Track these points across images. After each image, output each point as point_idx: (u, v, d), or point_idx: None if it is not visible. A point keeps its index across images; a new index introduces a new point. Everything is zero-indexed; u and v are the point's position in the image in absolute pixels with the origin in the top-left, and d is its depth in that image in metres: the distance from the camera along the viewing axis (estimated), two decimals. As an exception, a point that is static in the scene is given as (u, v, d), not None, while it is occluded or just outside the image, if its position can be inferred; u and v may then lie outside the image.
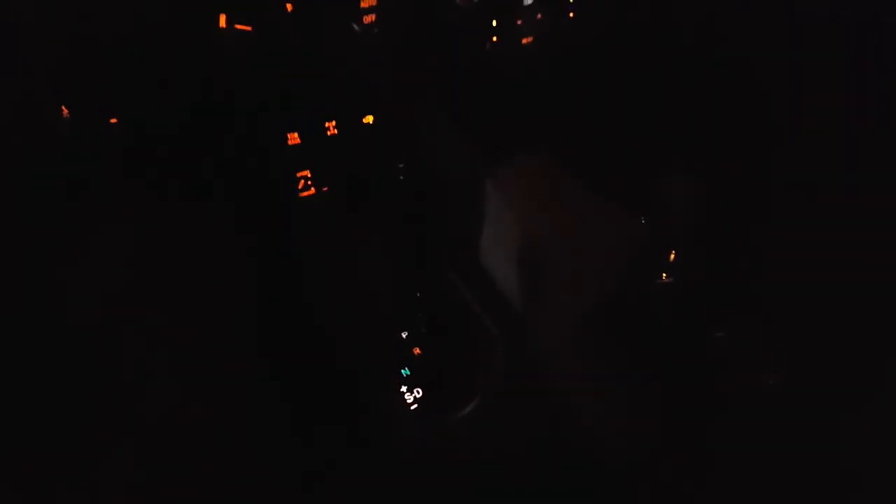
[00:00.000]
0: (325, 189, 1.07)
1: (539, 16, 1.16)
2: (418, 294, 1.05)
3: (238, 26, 0.83)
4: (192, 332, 0.94)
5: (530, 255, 1.02)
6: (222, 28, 0.83)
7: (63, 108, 0.82)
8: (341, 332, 1.00)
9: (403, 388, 0.97)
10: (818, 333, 1.10)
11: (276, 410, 0.92)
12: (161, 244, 0.98)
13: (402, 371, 0.99)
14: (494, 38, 1.13)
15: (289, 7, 0.87)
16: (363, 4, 0.88)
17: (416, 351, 1.02)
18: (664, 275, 1.14)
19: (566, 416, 1.00)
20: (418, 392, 0.97)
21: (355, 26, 0.88)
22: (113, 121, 0.87)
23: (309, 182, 1.06)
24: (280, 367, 0.96)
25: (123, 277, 0.91)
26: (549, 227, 1.01)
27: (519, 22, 1.14)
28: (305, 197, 1.06)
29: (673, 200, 1.16)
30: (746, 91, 1.19)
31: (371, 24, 0.89)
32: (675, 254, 1.13)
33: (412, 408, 0.96)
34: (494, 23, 1.11)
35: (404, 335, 1.03)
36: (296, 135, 1.00)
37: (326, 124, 1.01)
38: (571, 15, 1.22)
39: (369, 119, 1.04)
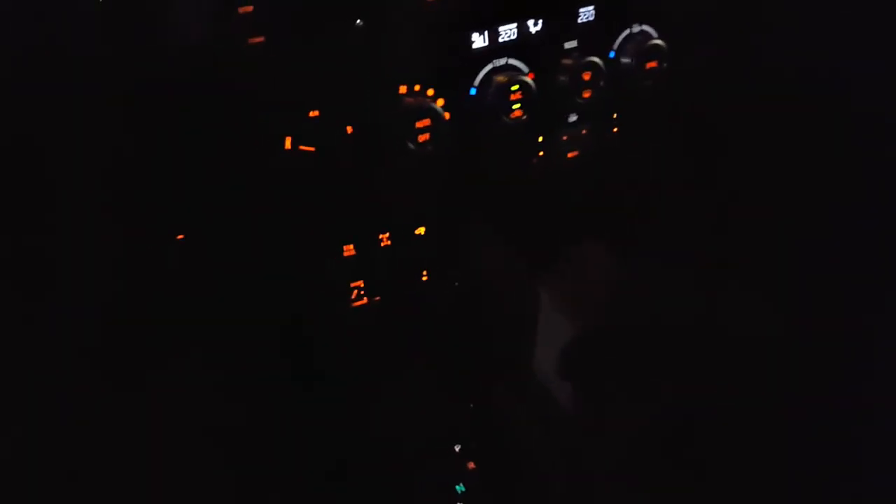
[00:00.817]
0: (377, 298, 1.09)
1: (584, 132, 1.21)
2: (471, 405, 1.04)
3: (302, 147, 0.90)
4: (243, 451, 0.94)
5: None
6: (287, 150, 0.89)
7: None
8: (393, 447, 0.99)
9: (458, 504, 0.94)
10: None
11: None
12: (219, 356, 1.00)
13: (457, 487, 0.96)
14: (540, 153, 1.17)
15: (349, 130, 0.93)
16: (418, 125, 0.94)
17: (471, 465, 0.99)
18: None
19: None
20: (473, 509, 0.93)
21: (410, 145, 0.94)
22: (180, 237, 0.92)
23: (362, 292, 1.09)
24: (332, 483, 0.94)
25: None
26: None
27: (564, 138, 1.19)
28: (358, 306, 1.09)
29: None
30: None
31: (425, 142, 0.95)
32: None
33: (468, 526, 0.92)
34: (540, 139, 1.16)
35: (457, 448, 1.01)
36: (351, 247, 1.04)
37: (380, 236, 1.05)
38: (615, 130, 1.27)
39: (421, 231, 1.08)
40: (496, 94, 1.02)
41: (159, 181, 0.87)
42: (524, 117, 1.05)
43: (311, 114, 0.90)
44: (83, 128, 0.80)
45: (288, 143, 0.89)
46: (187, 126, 0.85)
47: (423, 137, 0.95)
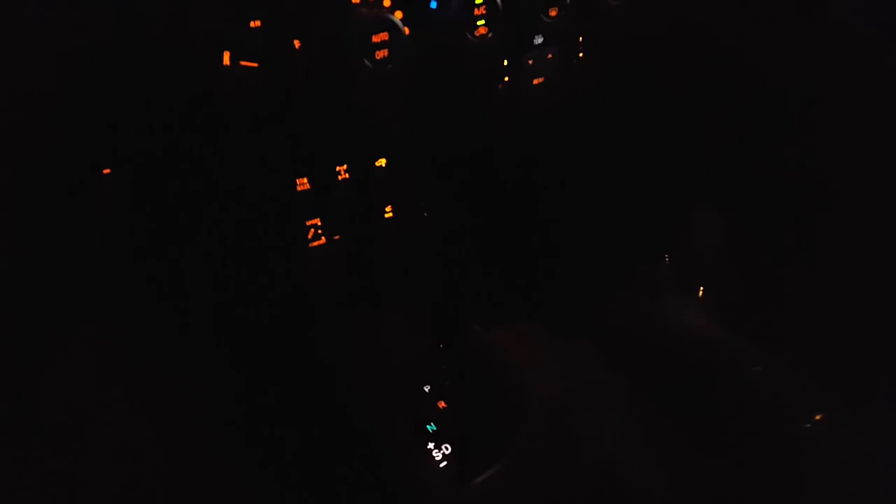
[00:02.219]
0: (336, 238, 1.01)
1: (549, 56, 1.14)
2: (441, 345, 0.98)
3: (243, 63, 0.80)
4: (199, 395, 0.87)
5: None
6: (226, 65, 0.79)
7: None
8: (361, 387, 0.93)
9: (430, 445, 0.88)
10: (855, 368, 1.02)
11: (299, 468, 0.83)
12: (162, 293, 0.91)
13: (428, 426, 0.90)
14: (506, 79, 1.10)
15: (297, 43, 0.83)
16: (375, 39, 0.85)
17: (442, 404, 0.93)
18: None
19: (598, 467, 0.91)
20: (447, 448, 0.88)
21: (367, 62, 0.85)
22: (106, 171, 0.82)
23: (319, 231, 1.00)
24: (299, 424, 0.87)
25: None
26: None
27: (530, 62, 1.11)
28: (315, 247, 1.01)
29: (699, 237, 1.11)
30: (769, 121, 1.16)
31: (383, 59, 0.86)
32: (703, 291, 1.07)
33: (441, 465, 0.87)
34: (505, 63, 1.09)
35: (427, 388, 0.95)
36: (305, 180, 0.95)
37: (337, 168, 0.97)
38: (581, 55, 1.20)
39: (382, 162, 1.00)
40: (460, 6, 0.93)
41: (84, 107, 0.77)
42: (489, 35, 0.97)
43: (253, 24, 0.80)
44: None
45: (227, 59, 0.79)
46: (109, 35, 0.74)
47: (380, 54, 0.86)
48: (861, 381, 0.96)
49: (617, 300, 1.04)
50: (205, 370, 0.89)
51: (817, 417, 0.97)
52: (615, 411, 0.94)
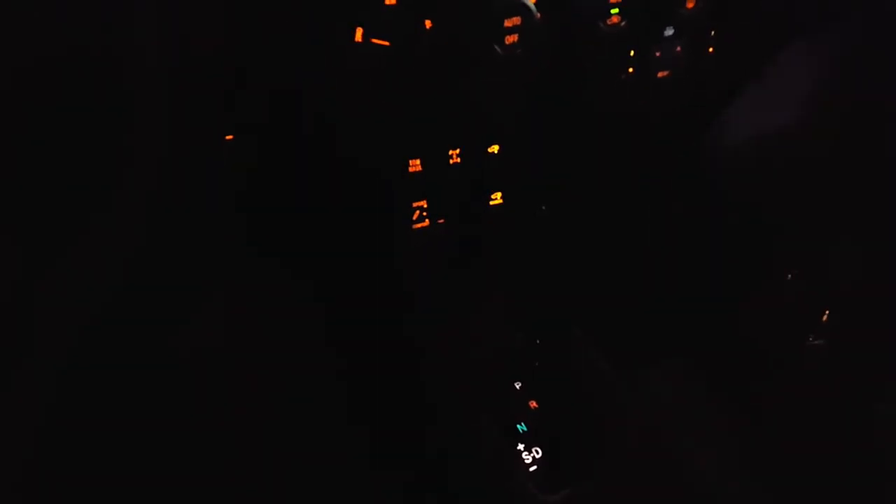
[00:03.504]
0: (440, 221, 1.00)
1: (678, 49, 1.08)
2: (538, 341, 0.96)
3: (375, 41, 0.78)
4: (296, 369, 0.88)
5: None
6: (358, 42, 0.78)
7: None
8: (452, 379, 0.92)
9: (521, 446, 0.86)
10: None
11: (388, 460, 0.83)
12: (267, 268, 0.92)
13: (518, 426, 0.88)
14: (630, 70, 1.04)
15: (427, 24, 0.81)
16: (507, 24, 0.82)
17: (533, 404, 0.91)
18: (813, 337, 1.00)
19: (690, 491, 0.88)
20: (537, 452, 0.86)
21: (497, 47, 0.81)
22: (229, 137, 0.82)
23: (424, 213, 0.99)
24: (389, 413, 0.87)
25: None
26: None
27: (657, 54, 1.05)
28: (419, 229, 0.99)
29: (830, 258, 1.03)
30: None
31: (513, 44, 0.83)
32: (829, 314, 1.00)
33: (531, 469, 0.85)
34: (632, 53, 1.03)
35: (518, 385, 0.93)
36: (418, 161, 0.93)
37: (451, 152, 0.95)
38: (711, 50, 1.13)
39: (495, 149, 0.97)
40: (595, -6, 0.88)
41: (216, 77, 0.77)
42: (622, 24, 0.92)
43: (388, 2, 0.78)
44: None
45: (359, 35, 0.78)
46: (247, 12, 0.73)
47: (511, 38, 0.83)
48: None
49: (729, 318, 0.98)
50: (302, 349, 0.90)
51: None
52: (712, 435, 0.90)
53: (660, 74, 1.09)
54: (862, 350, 0.98)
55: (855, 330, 0.98)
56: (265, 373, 0.88)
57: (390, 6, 0.78)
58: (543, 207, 0.94)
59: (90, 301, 0.67)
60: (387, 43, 0.78)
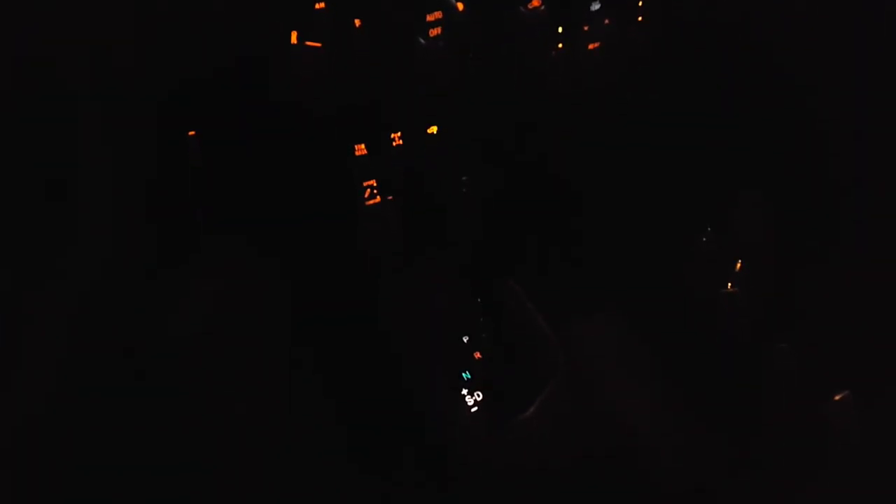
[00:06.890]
0: (390, 198, 1.10)
1: (606, 21, 1.15)
2: (479, 300, 1.07)
3: (309, 43, 0.87)
4: (255, 338, 0.99)
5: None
6: (294, 44, 0.87)
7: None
8: (403, 337, 1.03)
9: (464, 391, 0.99)
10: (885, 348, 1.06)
11: (337, 413, 0.96)
12: (228, 250, 1.03)
13: (463, 374, 1.01)
14: (560, 45, 1.12)
15: (357, 23, 0.90)
16: (429, 18, 0.90)
17: (477, 355, 1.03)
18: (729, 285, 1.11)
19: (619, 428, 1.00)
20: (478, 395, 0.99)
21: (421, 40, 0.90)
22: (191, 133, 0.92)
23: (375, 191, 1.09)
24: (341, 370, 0.99)
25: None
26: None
27: (585, 28, 1.13)
28: (371, 205, 1.10)
29: (741, 211, 1.13)
30: (818, 103, 1.15)
31: (437, 37, 0.91)
32: (742, 264, 1.11)
33: (472, 410, 0.98)
34: (560, 29, 1.11)
35: (465, 339, 1.05)
36: (363, 146, 1.03)
37: (392, 135, 1.04)
38: (640, 19, 1.20)
39: (433, 129, 1.07)
40: (513, -19, 0.96)
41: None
42: (542, 7, 1.00)
43: (318, 6, 0.86)
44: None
45: (294, 38, 0.87)
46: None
47: (434, 32, 0.91)
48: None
49: (653, 270, 1.09)
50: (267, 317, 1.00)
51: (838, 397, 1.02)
52: (637, 377, 1.02)
53: (591, 46, 1.17)
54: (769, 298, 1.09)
55: (764, 278, 1.09)
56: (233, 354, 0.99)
57: (320, 9, 0.87)
58: (464, 178, 1.04)
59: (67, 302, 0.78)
60: (318, 45, 0.87)
